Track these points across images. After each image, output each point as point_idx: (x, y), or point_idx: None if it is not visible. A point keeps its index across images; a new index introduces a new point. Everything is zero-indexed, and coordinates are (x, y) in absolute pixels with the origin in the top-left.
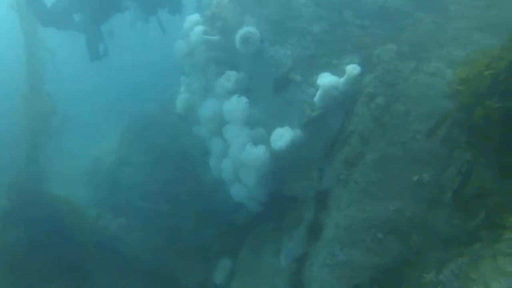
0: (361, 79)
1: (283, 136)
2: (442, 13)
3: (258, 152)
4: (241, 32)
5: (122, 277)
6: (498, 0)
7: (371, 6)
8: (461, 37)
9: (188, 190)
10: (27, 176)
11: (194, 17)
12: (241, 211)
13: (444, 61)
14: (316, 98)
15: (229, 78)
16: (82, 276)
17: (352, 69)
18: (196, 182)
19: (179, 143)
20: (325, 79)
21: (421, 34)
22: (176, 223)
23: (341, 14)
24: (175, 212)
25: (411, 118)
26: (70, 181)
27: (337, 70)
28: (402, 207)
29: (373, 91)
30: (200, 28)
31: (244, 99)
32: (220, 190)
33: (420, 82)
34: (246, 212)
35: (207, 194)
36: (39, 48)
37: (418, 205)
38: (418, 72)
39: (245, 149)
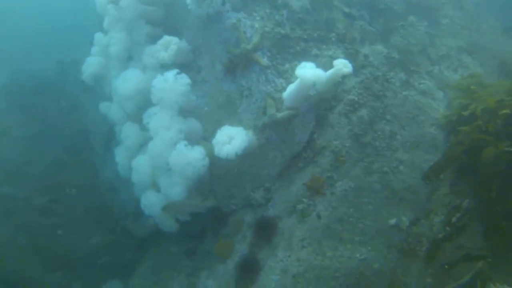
0: (342, 81)
1: (233, 139)
2: (434, 24)
3: (193, 156)
4: None
5: None
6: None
7: None
8: (451, 57)
9: (77, 181)
10: None
11: None
12: (144, 221)
13: (435, 79)
14: (286, 93)
15: (168, 46)
16: None
17: (343, 65)
18: (90, 173)
19: (76, 119)
20: (308, 71)
21: (413, 42)
22: (53, 223)
23: None
24: (54, 208)
25: (396, 143)
26: None
27: (316, 63)
28: (370, 257)
29: (357, 100)
30: None
31: (185, 79)
32: (122, 190)
33: (410, 100)
34: (151, 223)
35: (102, 191)
36: None
37: (389, 255)
38: (408, 87)
39: (176, 148)
